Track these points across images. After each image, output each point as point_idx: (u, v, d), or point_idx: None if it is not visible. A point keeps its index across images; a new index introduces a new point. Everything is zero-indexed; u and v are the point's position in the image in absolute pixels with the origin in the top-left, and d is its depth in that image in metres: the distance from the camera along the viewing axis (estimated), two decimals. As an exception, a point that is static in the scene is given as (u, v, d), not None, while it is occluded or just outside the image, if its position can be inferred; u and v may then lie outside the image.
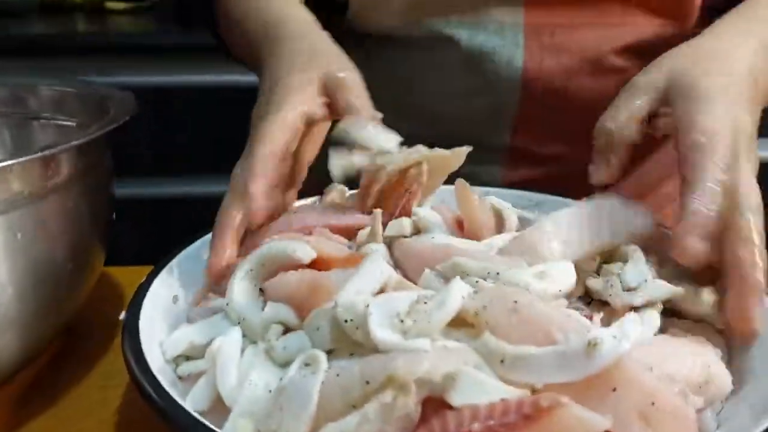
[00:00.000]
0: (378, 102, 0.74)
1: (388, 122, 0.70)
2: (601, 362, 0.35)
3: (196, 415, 0.36)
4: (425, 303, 0.39)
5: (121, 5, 1.79)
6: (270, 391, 0.39)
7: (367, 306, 0.38)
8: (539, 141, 0.74)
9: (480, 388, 0.36)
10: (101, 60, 1.47)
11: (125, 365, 0.40)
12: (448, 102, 0.73)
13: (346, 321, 0.39)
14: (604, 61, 0.71)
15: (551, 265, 0.44)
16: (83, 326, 0.57)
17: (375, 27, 0.74)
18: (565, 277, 0.44)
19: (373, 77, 0.74)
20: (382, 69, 0.74)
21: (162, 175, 1.60)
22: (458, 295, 0.39)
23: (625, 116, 0.49)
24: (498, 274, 0.43)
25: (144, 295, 0.46)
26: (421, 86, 0.74)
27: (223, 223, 0.48)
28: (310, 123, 0.51)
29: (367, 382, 0.36)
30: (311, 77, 0.51)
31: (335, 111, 0.51)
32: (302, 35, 0.56)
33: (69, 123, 0.59)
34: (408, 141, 0.60)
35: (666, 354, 0.40)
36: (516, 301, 0.38)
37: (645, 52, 0.71)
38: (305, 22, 0.58)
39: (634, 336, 0.36)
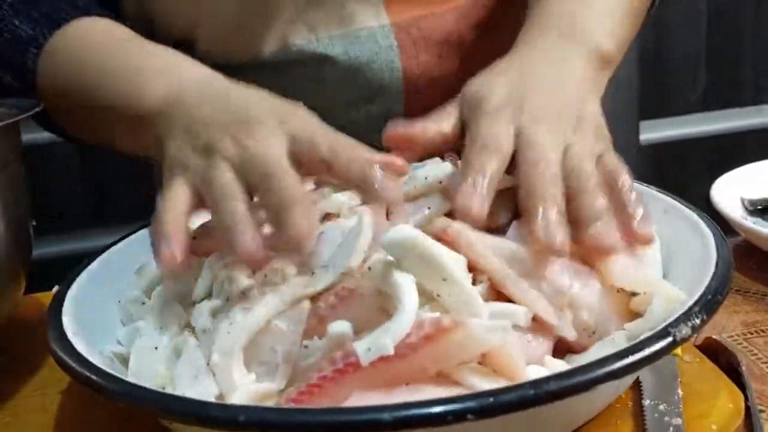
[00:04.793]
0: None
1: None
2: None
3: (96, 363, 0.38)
4: None
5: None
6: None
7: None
8: None
9: None
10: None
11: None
12: (334, 112, 0.66)
13: None
14: (465, 40, 0.72)
15: None
16: (13, 347, 0.56)
17: (235, 58, 0.69)
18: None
19: None
20: None
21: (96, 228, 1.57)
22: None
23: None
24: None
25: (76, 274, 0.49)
26: (301, 101, 0.71)
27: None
28: None
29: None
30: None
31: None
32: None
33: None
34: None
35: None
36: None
37: (494, 23, 0.73)
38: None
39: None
